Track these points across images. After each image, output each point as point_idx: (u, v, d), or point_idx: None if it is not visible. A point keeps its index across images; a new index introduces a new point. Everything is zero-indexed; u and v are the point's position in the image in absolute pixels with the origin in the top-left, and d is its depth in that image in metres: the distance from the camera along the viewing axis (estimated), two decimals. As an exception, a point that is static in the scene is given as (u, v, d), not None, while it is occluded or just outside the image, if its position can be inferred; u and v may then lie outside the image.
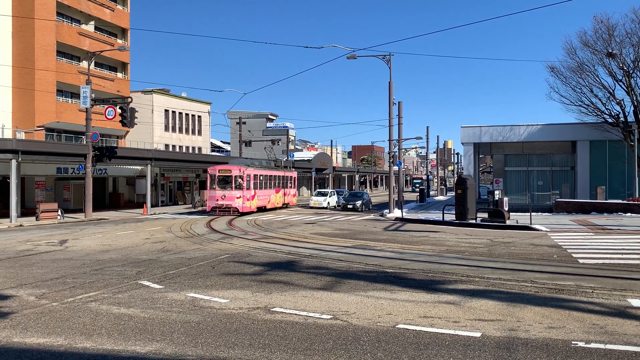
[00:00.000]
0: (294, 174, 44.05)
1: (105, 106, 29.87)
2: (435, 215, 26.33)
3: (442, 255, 13.13)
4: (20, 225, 23.95)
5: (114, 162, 31.97)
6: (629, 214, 25.34)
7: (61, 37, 38.39)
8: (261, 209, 34.10)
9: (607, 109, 30.93)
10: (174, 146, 50.14)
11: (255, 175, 32.98)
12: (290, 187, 41.39)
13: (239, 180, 31.04)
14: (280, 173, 39.40)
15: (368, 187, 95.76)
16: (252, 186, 32.20)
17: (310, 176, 63.22)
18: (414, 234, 18.99)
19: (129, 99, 30.55)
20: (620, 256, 12.46)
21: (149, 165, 34.17)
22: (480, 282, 9.45)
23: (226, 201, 30.46)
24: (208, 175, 31.93)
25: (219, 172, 31.44)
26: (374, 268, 11.21)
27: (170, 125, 50.38)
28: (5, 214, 26.82)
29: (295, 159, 59.79)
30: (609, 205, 26.79)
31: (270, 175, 36.51)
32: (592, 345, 5.77)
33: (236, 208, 30.47)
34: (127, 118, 28.32)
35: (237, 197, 30.57)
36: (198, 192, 43.25)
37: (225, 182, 31.09)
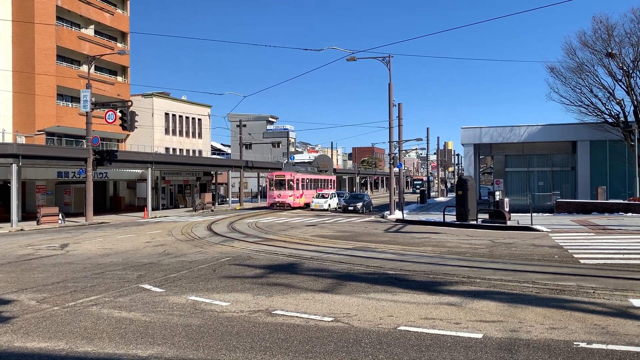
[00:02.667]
0: (333, 177, 54.06)
1: (106, 110, 29.89)
2: (436, 217, 26.31)
3: (443, 257, 13.12)
4: (21, 230, 23.96)
5: (115, 165, 32.00)
6: (629, 214, 25.32)
7: (61, 42, 38.44)
8: (308, 205, 41.06)
9: (607, 109, 30.95)
10: (174, 149, 50.21)
11: (302, 179, 42.01)
12: (330, 187, 50.24)
13: (290, 182, 39.98)
14: (322, 176, 49.54)
15: (369, 189, 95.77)
16: (300, 187, 41.03)
17: (311, 178, 63.22)
18: (415, 235, 18.98)
19: (129, 103, 30.56)
20: (621, 256, 12.44)
21: (150, 168, 34.19)
22: (482, 283, 9.44)
23: (281, 198, 39.58)
24: (267, 179, 42.22)
25: (275, 176, 40.69)
26: (375, 270, 11.21)
27: (170, 129, 50.44)
28: (6, 218, 26.84)
29: (295, 160, 59.81)
30: (610, 205, 26.77)
31: (314, 179, 45.87)
32: (594, 345, 5.77)
33: (289, 204, 39.41)
34: (128, 122, 28.32)
35: (289, 196, 39.68)
36: (199, 195, 43.27)
37: (280, 184, 40.11)
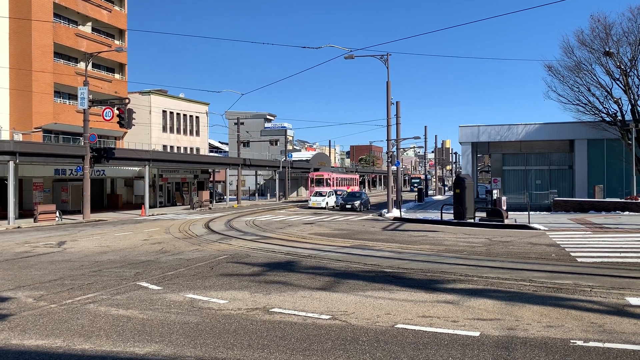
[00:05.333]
0: (357, 176, 66.12)
1: (103, 107, 29.84)
2: (434, 215, 26.34)
3: (440, 255, 13.13)
4: (19, 227, 23.91)
5: (112, 163, 31.94)
6: (626, 213, 25.38)
7: (58, 39, 38.33)
8: None
9: (604, 107, 30.96)
10: (172, 147, 50.11)
11: (336, 177, 52.71)
12: (355, 185, 59.91)
13: (328, 180, 49.92)
14: (349, 175, 60.89)
15: (366, 187, 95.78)
16: (334, 184, 50.46)
17: (309, 176, 63.19)
18: (413, 233, 19.00)
19: (127, 100, 30.51)
20: (618, 255, 12.47)
21: (147, 166, 34.13)
22: (479, 282, 9.46)
23: None
24: (309, 177, 52.71)
25: (315, 176, 51.06)
26: (372, 268, 11.21)
27: (168, 126, 50.33)
28: (4, 216, 26.77)
29: (293, 159, 59.70)
30: (607, 203, 26.83)
31: (343, 177, 56.90)
32: (591, 344, 5.78)
33: None
34: (125, 119, 28.27)
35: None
36: (196, 193, 43.22)
37: (319, 182, 49.80)
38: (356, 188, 58.03)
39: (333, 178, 51.33)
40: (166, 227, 22.73)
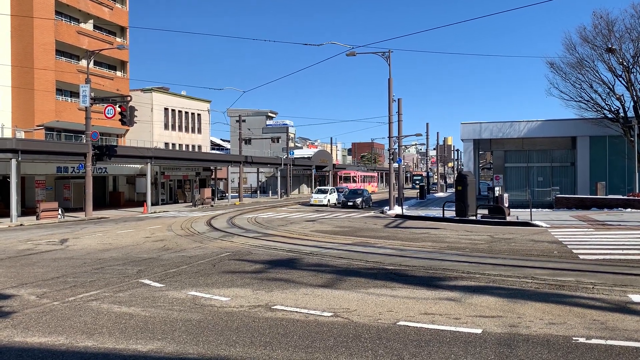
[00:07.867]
0: (376, 173, 77.63)
1: (105, 105, 29.82)
2: (436, 212, 26.33)
3: (442, 252, 13.13)
4: (21, 225, 23.95)
5: (114, 161, 31.97)
6: (629, 210, 25.34)
7: (60, 36, 38.31)
8: None
9: (606, 104, 30.86)
10: (173, 144, 50.11)
11: (360, 175, 62.65)
12: (374, 181, 70.75)
13: (354, 177, 59.56)
14: (370, 173, 72.06)
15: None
16: (359, 180, 60.05)
17: (310, 174, 63.21)
18: (415, 230, 19.00)
19: (129, 98, 30.50)
20: (620, 252, 12.46)
21: (149, 163, 34.15)
22: (481, 279, 9.45)
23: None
24: (337, 175, 61.72)
25: (343, 173, 61.00)
26: (374, 265, 11.22)
27: (170, 124, 50.32)
28: (6, 214, 26.83)
29: (295, 156, 59.67)
30: (609, 200, 26.78)
31: (366, 175, 66.88)
32: (593, 341, 5.78)
33: None
34: (127, 117, 28.27)
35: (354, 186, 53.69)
36: (198, 191, 43.22)
37: (347, 178, 59.72)
38: (375, 184, 69.22)
39: (359, 175, 62.20)
40: (168, 225, 22.76)
